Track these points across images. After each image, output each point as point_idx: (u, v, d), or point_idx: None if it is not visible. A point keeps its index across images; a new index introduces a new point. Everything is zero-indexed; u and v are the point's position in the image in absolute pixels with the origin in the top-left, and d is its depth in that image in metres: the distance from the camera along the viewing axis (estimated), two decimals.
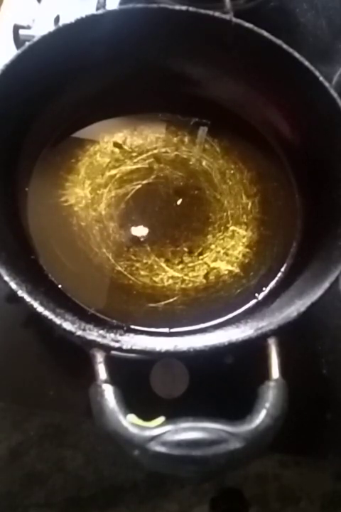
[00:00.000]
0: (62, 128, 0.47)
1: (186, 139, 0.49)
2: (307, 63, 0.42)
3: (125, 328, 0.39)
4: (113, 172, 0.46)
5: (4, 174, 0.41)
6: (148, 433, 0.27)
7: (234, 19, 0.44)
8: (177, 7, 0.44)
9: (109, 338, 0.34)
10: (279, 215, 0.46)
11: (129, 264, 0.42)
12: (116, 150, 0.47)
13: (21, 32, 0.51)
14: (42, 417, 0.43)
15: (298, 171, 0.48)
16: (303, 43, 0.60)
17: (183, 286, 0.42)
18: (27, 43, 0.40)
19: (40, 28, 0.52)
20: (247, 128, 0.50)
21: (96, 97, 0.48)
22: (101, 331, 0.35)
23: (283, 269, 0.43)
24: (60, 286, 0.40)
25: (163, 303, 0.41)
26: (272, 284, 0.43)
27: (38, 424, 0.44)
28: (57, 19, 0.53)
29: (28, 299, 0.32)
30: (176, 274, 0.42)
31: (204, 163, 0.48)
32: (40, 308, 0.32)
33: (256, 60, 0.45)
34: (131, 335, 0.38)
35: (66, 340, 0.35)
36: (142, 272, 0.42)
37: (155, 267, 0.42)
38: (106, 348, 0.31)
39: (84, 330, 0.33)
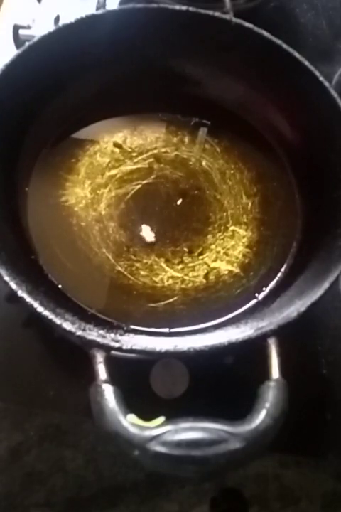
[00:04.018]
0: (62, 128, 0.47)
1: (186, 139, 0.49)
2: (307, 63, 0.42)
3: (125, 328, 0.39)
4: (113, 172, 0.46)
5: (4, 174, 0.41)
6: (148, 433, 0.27)
7: (234, 19, 0.44)
8: (177, 7, 0.44)
9: (109, 338, 0.34)
10: (279, 215, 0.46)
11: (129, 264, 0.42)
12: (116, 150, 0.47)
13: (21, 32, 0.51)
14: (42, 417, 0.43)
15: (298, 171, 0.48)
16: (303, 43, 0.60)
17: (183, 286, 0.42)
18: (27, 43, 0.40)
19: (40, 28, 0.52)
20: (247, 128, 0.50)
21: (96, 97, 0.48)
22: (101, 331, 0.35)
23: (283, 269, 0.43)
24: (60, 286, 0.40)
25: (163, 303, 0.41)
26: (272, 284, 0.43)
27: (38, 424, 0.44)
28: (57, 19, 0.53)
29: (28, 299, 0.32)
30: (176, 274, 0.42)
31: (204, 163, 0.48)
32: (40, 308, 0.32)
33: (256, 60, 0.45)
34: (131, 335, 0.38)
35: (66, 340, 0.35)
36: (142, 272, 0.42)
37: (155, 267, 0.42)
38: (106, 348, 0.31)
39: (84, 330, 0.33)
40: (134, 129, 0.49)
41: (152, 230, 0.44)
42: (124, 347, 0.32)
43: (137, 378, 0.39)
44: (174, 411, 0.29)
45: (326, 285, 0.34)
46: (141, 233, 0.44)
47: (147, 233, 0.44)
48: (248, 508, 0.44)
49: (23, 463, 0.44)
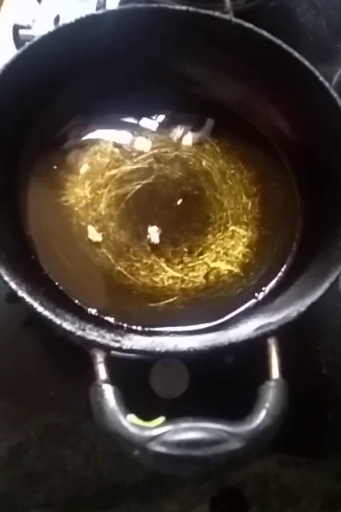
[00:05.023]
0: (62, 128, 0.47)
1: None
2: (307, 63, 0.42)
3: (125, 328, 0.39)
4: (113, 172, 0.46)
5: (4, 174, 0.41)
6: (148, 433, 0.27)
7: (234, 19, 0.44)
8: (177, 7, 0.44)
9: (109, 338, 0.34)
10: (279, 215, 0.46)
11: (129, 264, 0.42)
12: (116, 150, 0.47)
13: (21, 32, 0.51)
14: (42, 417, 0.43)
15: (298, 171, 0.48)
16: (303, 43, 0.60)
17: (183, 286, 0.42)
18: (27, 43, 0.40)
19: (40, 28, 0.52)
20: (247, 128, 0.50)
21: (96, 97, 0.48)
22: (101, 331, 0.35)
23: (283, 269, 0.43)
24: (60, 286, 0.40)
25: (163, 303, 0.41)
26: (272, 284, 0.43)
27: (38, 424, 0.44)
28: (57, 19, 0.53)
29: (28, 299, 0.32)
30: (176, 274, 0.42)
31: (204, 163, 0.48)
32: (40, 308, 0.32)
33: (256, 60, 0.46)
34: (131, 335, 0.38)
35: (66, 340, 0.35)
36: (142, 272, 0.42)
37: (155, 267, 0.42)
38: (106, 348, 0.31)
39: (84, 330, 0.33)
40: (134, 129, 0.49)
41: (152, 230, 0.44)
42: (124, 347, 0.32)
43: (137, 378, 0.39)
44: (174, 411, 0.29)
45: (326, 285, 0.34)
46: (141, 233, 0.44)
47: (147, 233, 0.44)
48: (248, 508, 0.44)
49: (23, 463, 0.44)
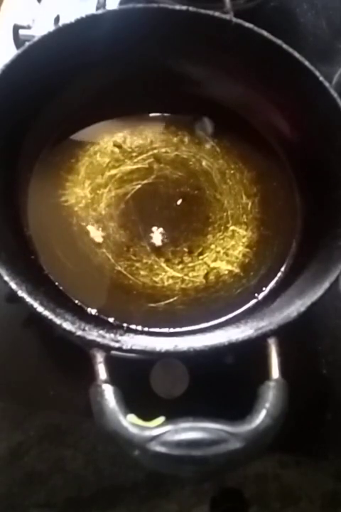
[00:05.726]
0: (62, 128, 0.47)
1: (186, 139, 0.49)
2: (307, 63, 0.42)
3: (125, 328, 0.39)
4: (113, 172, 0.46)
5: (4, 174, 0.41)
6: (148, 433, 0.27)
7: (234, 19, 0.44)
8: (177, 7, 0.44)
9: (109, 338, 0.34)
10: (279, 215, 0.46)
11: (129, 264, 0.42)
12: (116, 150, 0.47)
13: (21, 32, 0.51)
14: (42, 417, 0.43)
15: (298, 171, 0.48)
16: (303, 43, 0.60)
17: (183, 286, 0.42)
18: (27, 43, 0.40)
19: (40, 28, 0.52)
20: (247, 128, 0.50)
21: (96, 97, 0.48)
22: (101, 331, 0.35)
23: (283, 269, 0.43)
24: (60, 286, 0.40)
25: (163, 303, 0.41)
26: (272, 284, 0.43)
27: (38, 424, 0.44)
28: (57, 19, 0.53)
29: (28, 299, 0.32)
30: (176, 274, 0.42)
31: (204, 163, 0.48)
32: (40, 308, 0.32)
33: (256, 60, 0.46)
34: (131, 335, 0.38)
35: (66, 340, 0.35)
36: (142, 272, 0.42)
37: (155, 267, 0.42)
38: (106, 348, 0.31)
39: (84, 330, 0.33)
40: (134, 129, 0.49)
41: (152, 230, 0.44)
42: (124, 347, 0.32)
43: (137, 378, 0.39)
44: (174, 411, 0.29)
45: (326, 285, 0.34)
46: (141, 233, 0.44)
47: (147, 233, 0.44)
48: (248, 508, 0.44)
49: (23, 463, 0.44)
